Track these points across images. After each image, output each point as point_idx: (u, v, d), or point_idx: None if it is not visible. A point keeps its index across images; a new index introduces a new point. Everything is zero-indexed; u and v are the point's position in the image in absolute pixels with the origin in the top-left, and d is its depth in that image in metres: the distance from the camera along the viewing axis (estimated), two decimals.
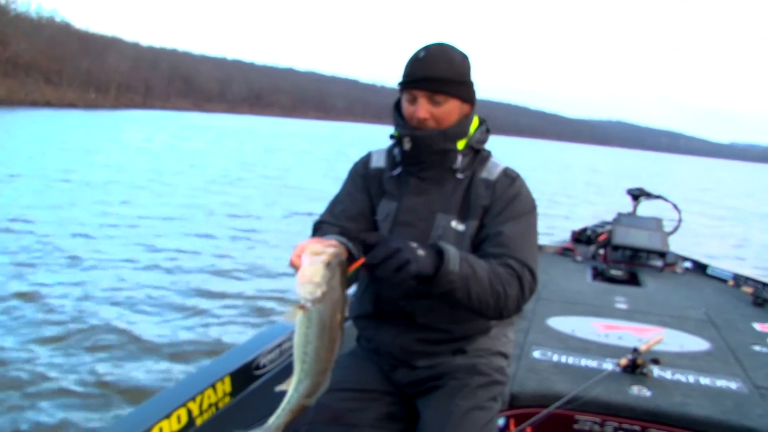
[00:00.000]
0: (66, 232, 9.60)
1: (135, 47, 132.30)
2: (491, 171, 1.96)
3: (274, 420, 1.50)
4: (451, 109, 1.90)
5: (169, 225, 11.05)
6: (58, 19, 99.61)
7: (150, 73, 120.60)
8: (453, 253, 1.67)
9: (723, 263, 6.11)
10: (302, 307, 1.47)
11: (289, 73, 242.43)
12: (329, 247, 1.49)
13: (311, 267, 1.46)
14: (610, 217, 6.46)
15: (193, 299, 6.83)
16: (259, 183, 18.82)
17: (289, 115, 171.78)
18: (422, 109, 1.89)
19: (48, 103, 72.40)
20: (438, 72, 1.87)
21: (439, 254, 1.66)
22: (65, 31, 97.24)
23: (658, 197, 6.20)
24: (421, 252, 1.63)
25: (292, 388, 1.50)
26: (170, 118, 72.57)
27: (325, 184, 18.56)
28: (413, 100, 1.91)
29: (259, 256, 9.22)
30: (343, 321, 1.52)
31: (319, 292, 1.45)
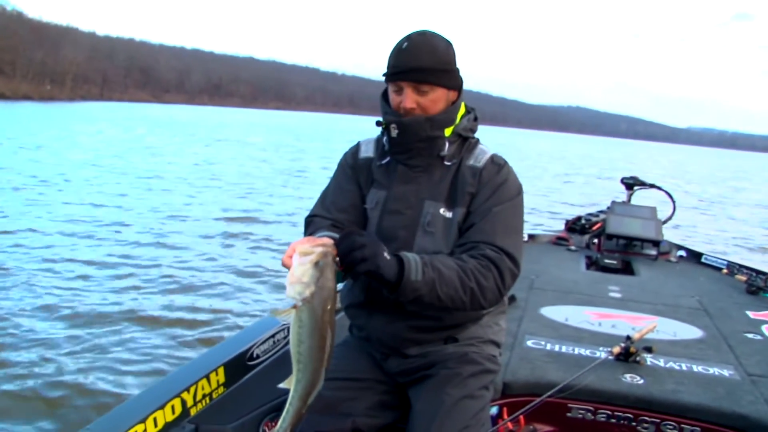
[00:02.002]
0: None
1: (91, 37, 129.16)
2: (478, 158, 2.00)
3: (281, 424, 1.55)
4: (437, 97, 1.93)
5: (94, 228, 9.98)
6: (9, 8, 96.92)
7: (107, 63, 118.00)
8: (414, 262, 1.70)
9: (701, 248, 6.12)
10: (294, 307, 1.50)
11: (249, 62, 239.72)
12: (318, 247, 1.53)
13: (300, 267, 1.50)
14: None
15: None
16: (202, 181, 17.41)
17: (249, 105, 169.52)
18: (409, 99, 1.90)
19: (2, 96, 70.57)
20: (422, 62, 1.88)
21: (402, 264, 1.69)
22: (17, 20, 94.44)
23: (652, 186, 6.22)
24: (386, 255, 1.65)
25: (292, 389, 1.54)
26: (127, 110, 70.06)
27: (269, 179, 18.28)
28: (399, 91, 1.93)
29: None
30: (333, 320, 1.56)
31: (308, 292, 1.49)
